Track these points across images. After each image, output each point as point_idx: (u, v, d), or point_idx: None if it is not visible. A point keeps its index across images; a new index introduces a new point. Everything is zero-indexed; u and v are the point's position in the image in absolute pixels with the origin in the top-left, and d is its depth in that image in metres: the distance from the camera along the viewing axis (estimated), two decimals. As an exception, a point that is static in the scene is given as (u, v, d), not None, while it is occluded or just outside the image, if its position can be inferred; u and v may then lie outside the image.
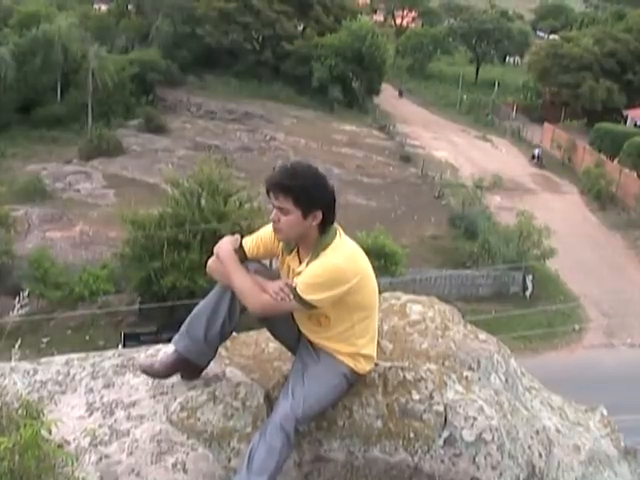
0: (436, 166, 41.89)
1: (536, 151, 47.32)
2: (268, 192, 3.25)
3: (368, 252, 3.63)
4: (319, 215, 3.21)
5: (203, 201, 24.17)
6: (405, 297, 4.34)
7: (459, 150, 47.01)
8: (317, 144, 43.78)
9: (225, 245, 3.40)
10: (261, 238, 3.46)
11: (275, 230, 3.29)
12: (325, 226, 3.25)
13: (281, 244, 3.42)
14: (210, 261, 3.45)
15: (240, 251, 3.41)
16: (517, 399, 3.95)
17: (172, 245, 23.70)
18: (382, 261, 25.50)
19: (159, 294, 24.09)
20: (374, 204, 35.25)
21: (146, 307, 24.77)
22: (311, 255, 3.27)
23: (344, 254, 3.23)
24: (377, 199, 35.92)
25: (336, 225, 3.33)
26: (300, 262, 3.34)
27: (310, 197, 3.16)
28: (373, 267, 3.44)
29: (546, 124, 51.46)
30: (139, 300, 25.46)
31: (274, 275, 3.42)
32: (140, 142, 41.87)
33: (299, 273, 3.27)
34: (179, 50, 52.17)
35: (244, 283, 3.25)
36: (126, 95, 46.12)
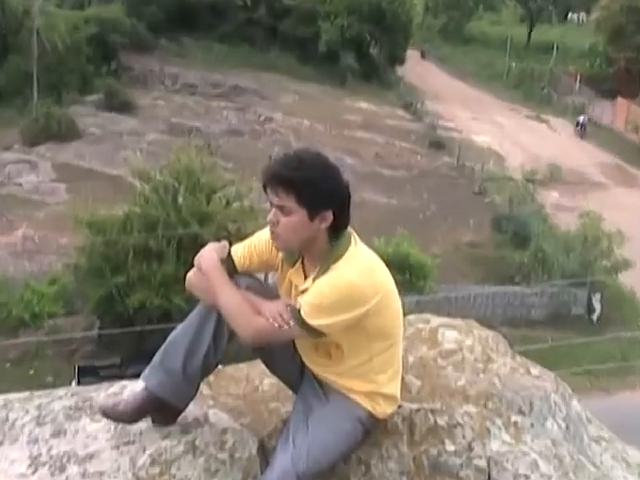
0: (476, 154, 42.03)
1: (581, 118, 48.29)
2: (265, 187, 3.29)
3: (389, 264, 3.65)
4: (329, 216, 3.25)
5: (180, 198, 24.13)
6: (436, 320, 4.37)
7: (505, 134, 47.10)
8: (325, 127, 43.95)
9: (209, 254, 3.45)
10: (255, 246, 3.52)
11: (273, 236, 3.33)
12: (337, 231, 3.29)
13: (280, 254, 3.46)
14: (190, 274, 3.51)
15: (228, 262, 3.47)
16: (581, 452, 3.95)
17: (141, 254, 23.70)
18: (407, 275, 25.55)
19: (124, 316, 24.03)
20: (396, 202, 35.41)
21: (107, 333, 24.64)
22: (319, 268, 3.30)
23: (360, 267, 3.27)
24: (400, 196, 36.06)
25: (350, 230, 3.36)
26: (305, 277, 3.38)
27: (318, 193, 3.20)
28: (396, 282, 3.45)
29: (619, 99, 51.40)
30: (98, 324, 25.33)
31: (271, 293, 3.46)
32: (100, 123, 41.85)
33: (303, 291, 3.31)
34: (148, 6, 52.03)
35: (233, 302, 3.30)
36: (81, 62, 46.00)
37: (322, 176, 3.21)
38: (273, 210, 3.27)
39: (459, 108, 51.88)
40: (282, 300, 3.39)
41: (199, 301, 3.55)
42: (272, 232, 3.32)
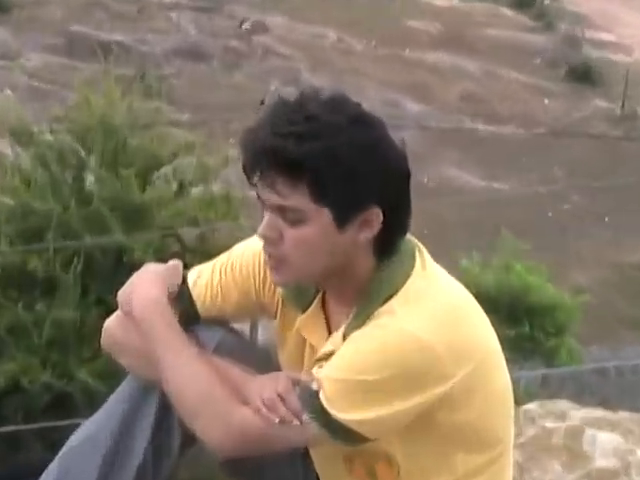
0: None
1: None
2: (249, 171, 2.21)
3: (488, 304, 2.20)
4: (375, 220, 2.21)
5: (90, 178, 17.15)
6: (580, 413, 3.68)
7: None
8: (364, 42, 29.25)
9: (147, 286, 2.44)
10: (232, 271, 2.50)
11: (272, 262, 2.29)
12: (388, 244, 2.28)
13: (279, 290, 2.44)
14: (111, 322, 2.51)
15: (183, 300, 2.46)
16: None
17: (13, 285, 16.22)
18: (523, 326, 17.66)
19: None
20: (502, 187, 23.09)
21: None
22: (355, 313, 2.28)
23: (432, 311, 2.23)
24: (510, 175, 23.16)
25: (412, 240, 2.33)
26: (328, 330, 2.39)
27: (355, 181, 2.17)
28: (500, 339, 2.36)
29: None
30: None
31: (264, 360, 2.51)
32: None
33: (326, 357, 2.29)
34: None
35: (194, 378, 2.34)
36: None
37: (361, 149, 2.14)
38: (268, 217, 2.21)
39: (619, 6, 32.17)
40: (285, 374, 2.36)
41: (126, 374, 2.56)
42: (269, 256, 2.27)
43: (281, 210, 2.24)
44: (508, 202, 21.83)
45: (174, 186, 18.09)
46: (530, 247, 18.06)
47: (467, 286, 2.39)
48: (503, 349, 2.40)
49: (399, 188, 2.28)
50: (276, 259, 2.29)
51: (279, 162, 2.19)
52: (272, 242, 2.26)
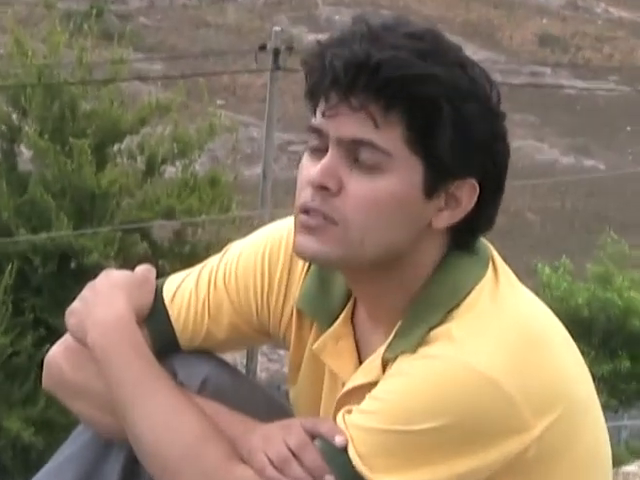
0: None
1: None
2: (328, 87, 1.83)
3: (577, 326, 1.85)
4: (468, 196, 1.90)
5: (26, 152, 15.27)
6: None
7: None
8: None
9: (109, 302, 2.09)
10: (225, 280, 2.11)
11: (311, 217, 1.86)
12: (469, 235, 1.95)
13: (295, 298, 2.04)
14: (57, 353, 2.15)
15: (157, 321, 2.11)
16: None
17: None
18: (624, 358, 15.56)
19: None
20: (596, 164, 19.42)
21: None
22: (400, 329, 1.92)
23: (506, 341, 1.88)
24: (606, 148, 19.23)
25: (486, 244, 2.01)
26: (359, 355, 2.02)
27: (472, 133, 1.86)
28: (596, 375, 1.80)
29: None
30: None
31: (266, 402, 2.16)
32: None
33: (356, 394, 1.94)
34: None
35: (176, 428, 2.02)
36: None
37: (485, 102, 1.88)
38: (329, 158, 1.84)
39: None
40: (299, 422, 1.99)
41: (78, 423, 2.23)
42: (310, 213, 1.86)
43: (354, 147, 1.83)
44: (603, 186, 17.66)
45: (141, 164, 15.59)
46: (634, 251, 15.62)
47: (547, 302, 2.09)
48: (597, 391, 2.07)
49: (502, 169, 1.93)
50: (322, 218, 1.84)
51: (383, 78, 1.81)
52: (324, 195, 1.82)
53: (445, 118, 1.79)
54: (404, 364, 1.82)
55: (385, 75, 1.76)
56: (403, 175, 1.81)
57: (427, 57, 1.79)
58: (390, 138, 1.80)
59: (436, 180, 1.82)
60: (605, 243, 17.08)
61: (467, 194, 1.84)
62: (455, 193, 1.83)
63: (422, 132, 1.79)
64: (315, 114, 1.82)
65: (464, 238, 1.90)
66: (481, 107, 1.83)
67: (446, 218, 1.85)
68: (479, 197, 1.85)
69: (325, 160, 1.81)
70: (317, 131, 1.83)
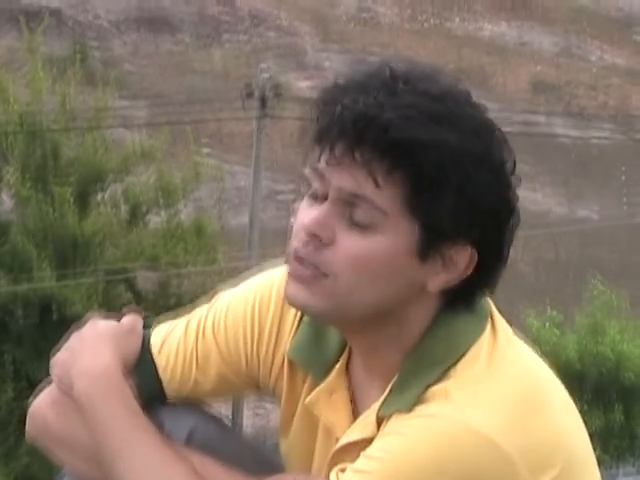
0: None
1: None
2: (334, 138, 1.83)
3: (569, 378, 1.57)
4: (464, 261, 1.90)
5: (7, 199, 14.68)
6: None
7: None
8: (394, 9, 22.71)
9: (95, 352, 2.09)
10: (214, 330, 2.11)
11: (303, 267, 1.88)
12: (467, 298, 1.93)
13: (286, 348, 2.06)
14: (41, 404, 2.12)
15: (143, 371, 2.10)
16: None
17: None
18: (617, 412, 14.86)
19: None
20: (589, 214, 18.68)
21: None
22: (395, 385, 1.92)
23: (504, 400, 1.89)
24: (601, 197, 19.05)
25: (486, 301, 2.01)
26: (354, 410, 2.01)
27: (477, 200, 1.86)
28: (590, 429, 2.18)
29: None
30: None
31: (254, 456, 2.15)
32: None
33: (349, 450, 1.93)
34: None
35: (161, 479, 2.01)
36: None
37: (494, 163, 1.87)
38: (325, 209, 1.86)
39: None
40: (291, 477, 2.09)
41: (63, 476, 2.21)
42: (302, 262, 1.88)
43: (352, 201, 1.86)
44: (597, 235, 16.79)
45: (125, 213, 15.41)
46: (627, 301, 14.94)
47: (543, 359, 2.15)
48: (596, 450, 2.19)
49: (507, 238, 1.94)
50: (313, 269, 1.88)
51: (390, 139, 1.83)
52: (316, 245, 1.86)
53: (450, 185, 1.79)
54: (400, 422, 1.82)
55: (393, 135, 1.77)
56: (397, 236, 1.82)
57: (441, 121, 1.79)
58: (389, 197, 1.80)
59: (433, 244, 1.82)
60: (592, 293, 16.83)
61: (466, 260, 1.83)
62: (453, 257, 1.83)
63: (424, 196, 1.79)
64: (320, 159, 1.81)
65: (461, 299, 1.88)
66: (491, 176, 1.82)
67: (442, 282, 1.84)
68: (479, 262, 1.84)
69: (321, 210, 1.82)
70: (320, 176, 1.82)
